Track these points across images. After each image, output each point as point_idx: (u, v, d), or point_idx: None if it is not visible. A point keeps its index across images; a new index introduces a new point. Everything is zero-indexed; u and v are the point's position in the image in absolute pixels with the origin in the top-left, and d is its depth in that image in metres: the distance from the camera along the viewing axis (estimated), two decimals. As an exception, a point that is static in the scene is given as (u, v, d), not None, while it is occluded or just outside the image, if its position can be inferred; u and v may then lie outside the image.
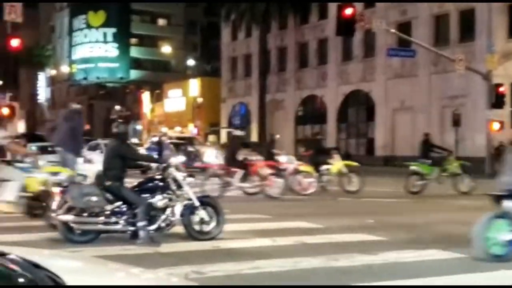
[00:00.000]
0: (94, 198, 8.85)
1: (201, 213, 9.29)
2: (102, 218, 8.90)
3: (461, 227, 11.16)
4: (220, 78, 56.57)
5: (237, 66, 54.26)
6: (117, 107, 70.63)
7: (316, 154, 19.28)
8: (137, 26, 79.54)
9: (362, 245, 9.01)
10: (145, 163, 11.06)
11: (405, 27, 36.14)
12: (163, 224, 9.09)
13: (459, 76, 31.28)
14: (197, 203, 9.30)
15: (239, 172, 16.70)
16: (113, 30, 78.27)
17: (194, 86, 56.98)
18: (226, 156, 17.74)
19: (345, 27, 24.66)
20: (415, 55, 30.97)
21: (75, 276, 2.62)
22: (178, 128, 52.83)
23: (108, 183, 9.16)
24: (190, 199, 9.33)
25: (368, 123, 41.90)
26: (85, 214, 8.87)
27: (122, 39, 78.81)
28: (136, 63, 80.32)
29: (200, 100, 54.96)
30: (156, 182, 9.37)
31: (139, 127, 69.37)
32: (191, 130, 53.12)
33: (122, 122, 10.19)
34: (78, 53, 79.94)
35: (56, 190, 9.33)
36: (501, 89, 27.86)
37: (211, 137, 53.98)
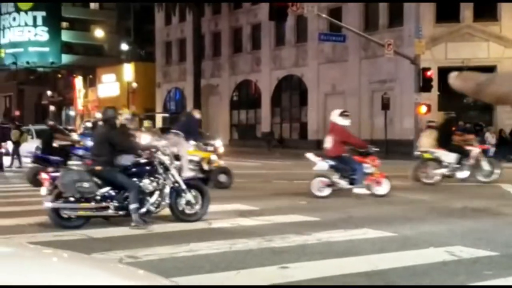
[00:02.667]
0: (85, 184, 8.96)
1: (188, 196, 9.61)
2: (93, 204, 9.02)
3: (392, 208, 11.73)
4: (154, 63, 56.02)
5: (172, 51, 53.85)
6: (49, 93, 68.99)
7: None
8: (68, 9, 77.67)
9: (296, 225, 9.25)
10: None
11: (336, 12, 36.67)
12: (152, 208, 9.32)
13: (388, 60, 32.12)
14: (183, 186, 9.59)
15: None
16: (43, 13, 76.21)
17: (128, 71, 56.22)
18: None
19: (277, 12, 24.99)
20: (345, 40, 31.58)
21: (8, 261, 2.40)
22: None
23: (98, 168, 9.22)
24: (177, 182, 9.58)
25: (301, 108, 42.48)
26: (72, 199, 8.97)
27: (53, 22, 76.84)
28: (68, 48, 78.52)
29: (134, 85, 54.33)
30: (143, 166, 9.57)
31: (72, 112, 68.01)
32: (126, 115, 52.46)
33: (109, 107, 10.27)
34: (7, 37, 77.43)
35: (45, 176, 9.31)
36: (428, 73, 28.77)
37: (146, 123, 53.48)
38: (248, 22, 46.08)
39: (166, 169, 9.58)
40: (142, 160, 9.65)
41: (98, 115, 42.52)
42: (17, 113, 67.89)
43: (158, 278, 2.52)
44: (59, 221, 8.94)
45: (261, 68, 44.91)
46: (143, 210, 9.20)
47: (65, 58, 77.72)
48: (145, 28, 67.12)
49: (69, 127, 47.78)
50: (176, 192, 9.56)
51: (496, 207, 11.62)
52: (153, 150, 9.63)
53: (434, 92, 30.61)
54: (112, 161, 9.38)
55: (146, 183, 9.35)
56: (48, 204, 8.94)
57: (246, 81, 46.79)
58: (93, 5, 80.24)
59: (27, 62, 75.05)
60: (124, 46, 63.62)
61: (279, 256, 7.12)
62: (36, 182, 13.56)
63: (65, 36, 78.59)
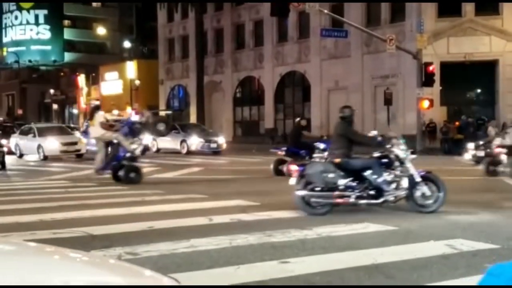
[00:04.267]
0: (330, 175, 9.81)
1: (423, 188, 10.03)
2: (336, 193, 9.83)
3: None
4: (157, 60, 56.01)
5: (174, 47, 53.82)
6: (52, 91, 69.08)
7: None
8: (70, 7, 77.72)
9: (297, 220, 9.27)
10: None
11: (338, 8, 36.58)
12: (390, 197, 9.94)
13: (390, 56, 32.05)
14: (418, 179, 10.02)
15: None
16: (45, 11, 76.28)
17: (131, 68, 56.22)
18: None
19: (279, 8, 24.98)
20: (347, 36, 31.50)
21: (14, 259, 2.41)
22: (115, 111, 52.10)
23: (337, 160, 10.02)
24: (411, 175, 10.02)
25: (304, 104, 42.44)
26: (318, 189, 9.84)
27: (55, 21, 76.92)
28: (70, 46, 78.59)
29: (137, 82, 54.33)
30: (380, 159, 10.19)
31: (75, 111, 68.10)
32: (129, 113, 52.51)
33: (346, 106, 11.31)
34: (9, 35, 77.53)
35: (294, 167, 10.36)
36: (430, 68, 28.69)
37: (149, 120, 53.54)
38: (250, 19, 46.04)
39: (401, 162, 10.14)
40: (376, 154, 10.33)
41: (101, 113, 42.53)
42: (20, 111, 68.10)
43: (157, 276, 2.48)
44: (306, 208, 9.86)
45: (263, 64, 44.86)
46: (381, 200, 9.87)
47: (68, 56, 77.79)
48: (147, 25, 67.21)
49: (72, 125, 47.86)
50: (411, 184, 10.02)
51: (498, 200, 11.59)
52: (389, 145, 10.27)
53: (437, 86, 30.54)
54: (348, 154, 10.26)
55: (384, 175, 9.99)
56: (298, 193, 9.91)
57: (249, 77, 46.75)
58: (95, 3, 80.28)
59: (30, 61, 75.18)
60: (127, 44, 63.66)
61: (279, 251, 7.11)
62: (278, 172, 16.85)
63: (67, 34, 78.65)
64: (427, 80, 28.69)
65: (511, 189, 13.70)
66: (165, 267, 6.19)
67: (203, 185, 14.99)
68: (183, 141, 31.55)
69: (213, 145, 30.95)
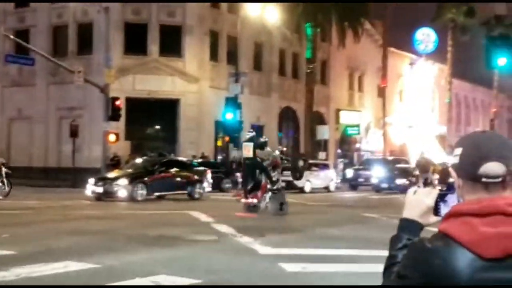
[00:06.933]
0: None
1: None
2: None
3: (90, 237, 11.61)
4: None
5: None
6: None
7: None
8: None
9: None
10: None
11: (24, 34, 35.29)
12: None
13: (78, 87, 31.88)
14: None
15: None
16: None
17: None
18: None
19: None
20: (34, 64, 30.55)
21: None
22: None
23: None
24: None
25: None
26: None
27: None
28: None
29: None
30: None
31: None
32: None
33: None
34: None
35: None
36: (117, 102, 29.32)
37: None
38: None
39: None
40: None
41: None
42: None
43: None
44: None
45: None
46: None
47: None
48: None
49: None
50: None
51: (190, 234, 12.26)
52: None
53: (123, 121, 31.26)
54: None
55: None
56: None
57: None
58: None
59: None
60: None
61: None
62: None
63: None
64: (113, 114, 29.19)
65: (195, 223, 14.61)
66: None
67: None
68: None
69: None
